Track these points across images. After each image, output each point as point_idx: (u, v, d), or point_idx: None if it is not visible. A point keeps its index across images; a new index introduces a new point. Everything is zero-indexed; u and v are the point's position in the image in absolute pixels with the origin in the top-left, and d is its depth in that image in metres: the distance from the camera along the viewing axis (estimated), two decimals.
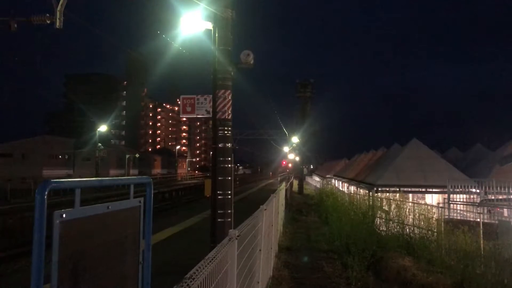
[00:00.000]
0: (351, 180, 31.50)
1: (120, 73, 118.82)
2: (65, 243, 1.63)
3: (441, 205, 16.61)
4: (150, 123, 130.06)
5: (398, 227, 14.77)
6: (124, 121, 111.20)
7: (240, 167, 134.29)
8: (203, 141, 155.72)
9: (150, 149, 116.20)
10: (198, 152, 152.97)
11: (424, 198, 21.16)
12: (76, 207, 1.75)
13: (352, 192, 26.99)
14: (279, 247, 12.03)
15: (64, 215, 1.63)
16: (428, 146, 24.86)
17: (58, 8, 7.05)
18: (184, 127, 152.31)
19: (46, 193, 1.52)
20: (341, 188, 35.11)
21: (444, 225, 12.92)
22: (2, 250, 14.10)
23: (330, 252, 12.26)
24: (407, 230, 14.33)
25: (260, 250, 6.40)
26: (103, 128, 50.71)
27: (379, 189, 21.51)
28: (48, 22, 7.29)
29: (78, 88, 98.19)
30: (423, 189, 21.60)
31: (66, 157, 66.24)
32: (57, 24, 7.13)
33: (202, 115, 9.11)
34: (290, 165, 67.42)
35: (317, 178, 61.64)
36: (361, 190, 24.70)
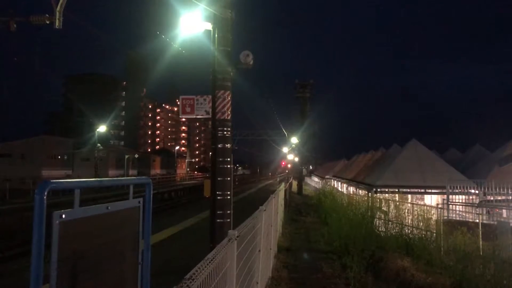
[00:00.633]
0: (350, 181, 31.52)
1: (119, 73, 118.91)
2: (65, 243, 1.63)
3: (440, 206, 16.61)
4: (150, 124, 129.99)
5: (397, 227, 14.78)
6: (123, 122, 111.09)
7: (239, 168, 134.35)
8: (202, 142, 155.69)
9: (149, 150, 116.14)
10: (197, 152, 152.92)
11: (423, 199, 21.18)
12: (76, 207, 1.75)
13: (351, 192, 27.02)
14: (278, 248, 12.02)
15: (63, 216, 1.63)
16: (427, 147, 24.90)
17: (58, 8, 7.05)
18: (184, 127, 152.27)
19: (46, 193, 1.52)
20: (340, 189, 35.13)
21: (443, 226, 12.92)
22: (1, 250, 14.08)
23: (329, 253, 12.25)
24: (406, 230, 14.34)
25: (259, 250, 6.40)
26: (102, 128, 50.65)
27: (378, 189, 21.54)
28: (48, 22, 7.29)
29: (77, 88, 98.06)
30: (422, 190, 21.63)
31: (65, 157, 66.15)
32: (57, 24, 7.13)
33: (202, 115, 9.11)
34: (289, 165, 67.45)
35: (316, 179, 61.66)
36: (360, 191, 24.72)
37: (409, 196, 20.71)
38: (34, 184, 34.21)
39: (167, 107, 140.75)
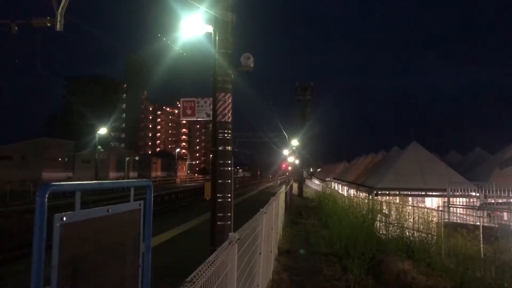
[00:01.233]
0: (350, 183, 31.50)
1: (120, 75, 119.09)
2: (65, 245, 1.63)
3: (440, 208, 16.60)
4: (150, 126, 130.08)
5: (398, 230, 14.76)
6: (124, 124, 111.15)
7: (240, 170, 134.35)
8: (203, 144, 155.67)
9: (150, 152, 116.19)
10: (198, 154, 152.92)
11: (424, 202, 21.16)
12: (77, 210, 1.75)
13: (352, 195, 26.99)
14: (278, 250, 12.01)
15: (64, 218, 1.63)
16: (428, 149, 24.88)
17: (59, 11, 7.07)
18: (184, 129, 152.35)
19: (47, 196, 1.52)
20: (340, 191, 35.11)
21: (443, 228, 12.90)
22: (1, 252, 14.07)
23: (330, 255, 12.23)
24: (407, 233, 14.31)
25: (260, 253, 6.39)
26: (103, 130, 50.68)
27: (379, 192, 21.51)
28: (49, 24, 7.31)
29: (78, 91, 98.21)
30: (423, 193, 21.60)
31: (66, 159, 66.20)
32: (58, 26, 7.15)
33: (202, 118, 9.12)
34: (289, 168, 67.40)
35: (317, 181, 61.64)
36: (361, 193, 24.70)
37: (410, 198, 20.69)
38: (34, 186, 34.20)
39: (168, 109, 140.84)
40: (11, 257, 13.45)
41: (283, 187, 23.19)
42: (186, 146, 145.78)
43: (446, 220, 14.78)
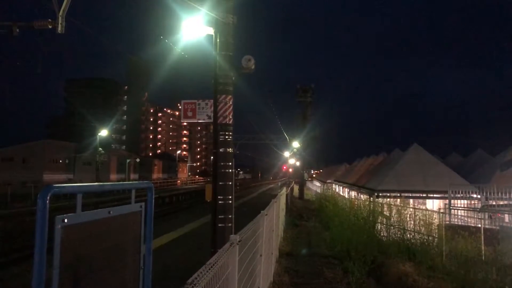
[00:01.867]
0: (351, 185, 31.47)
1: (121, 77, 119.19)
2: (67, 247, 1.63)
3: (442, 210, 16.58)
4: (151, 128, 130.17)
5: (399, 232, 14.74)
6: (125, 126, 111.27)
7: (241, 172, 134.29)
8: (203, 146, 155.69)
9: (150, 154, 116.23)
10: (198, 156, 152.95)
11: (425, 204, 21.12)
12: (78, 212, 1.75)
13: (353, 197, 26.96)
14: (279, 252, 12.00)
15: (65, 220, 1.64)
16: (429, 151, 24.85)
17: (60, 13, 7.08)
18: (185, 131, 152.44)
19: (48, 198, 1.53)
20: (341, 193, 35.08)
21: (445, 230, 12.89)
22: (2, 254, 14.07)
23: (331, 258, 12.22)
24: (408, 235, 14.30)
25: (261, 255, 6.39)
26: (103, 132, 50.75)
27: (380, 194, 21.48)
28: (50, 27, 7.31)
29: (78, 93, 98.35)
30: (424, 195, 21.56)
31: (67, 161, 66.24)
32: (59, 29, 7.16)
33: (203, 120, 9.13)
34: (290, 170, 67.38)
35: (317, 183, 61.61)
36: (362, 195, 24.67)
37: (411, 200, 20.65)
38: (35, 188, 34.19)
39: (169, 111, 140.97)
40: (12, 259, 13.45)
41: (284, 189, 23.19)
42: (187, 148, 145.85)
43: (447, 222, 14.75)
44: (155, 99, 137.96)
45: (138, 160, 74.93)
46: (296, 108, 46.99)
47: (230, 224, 7.68)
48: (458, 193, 17.90)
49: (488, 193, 17.00)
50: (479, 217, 14.47)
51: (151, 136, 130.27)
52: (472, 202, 18.22)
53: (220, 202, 7.65)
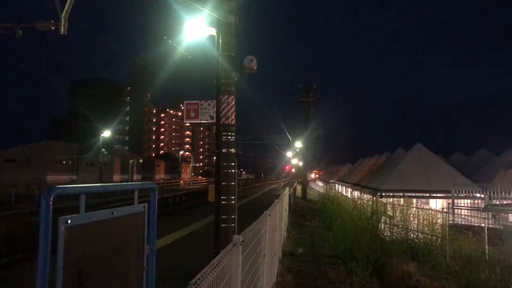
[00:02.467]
0: (354, 185, 31.42)
1: (124, 78, 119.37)
2: (70, 248, 1.64)
3: (445, 210, 16.53)
4: (154, 129, 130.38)
5: (402, 232, 14.70)
6: (128, 127, 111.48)
7: (244, 172, 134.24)
8: (206, 146, 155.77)
9: (153, 154, 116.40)
10: (201, 157, 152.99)
11: (428, 203, 21.07)
12: (81, 212, 1.76)
13: (356, 197, 26.91)
14: (283, 252, 11.99)
15: (69, 221, 1.64)
16: (432, 151, 24.79)
17: (63, 15, 7.10)
18: (188, 132, 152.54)
19: (52, 199, 1.53)
20: (344, 193, 35.02)
21: (448, 230, 12.85)
22: (6, 255, 14.11)
23: (334, 258, 12.20)
24: (411, 235, 14.26)
25: (264, 255, 6.38)
26: (106, 133, 50.87)
27: (383, 194, 21.44)
28: (53, 28, 7.34)
29: (82, 94, 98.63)
30: (427, 194, 21.50)
31: (70, 162, 66.41)
32: (62, 30, 7.18)
33: (206, 120, 9.13)
34: (293, 170, 67.30)
35: (320, 183, 61.54)
36: (365, 195, 24.62)
37: (414, 200, 20.61)
38: (39, 189, 34.29)
39: (171, 112, 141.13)
40: (16, 260, 13.49)
41: (287, 189, 23.18)
42: (190, 148, 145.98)
43: (451, 222, 14.72)
44: (158, 100, 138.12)
45: (141, 160, 75.00)
46: (298, 108, 46.85)
47: (233, 224, 7.68)
48: (462, 192, 17.86)
49: (492, 193, 16.95)
50: (483, 216, 14.43)
51: (154, 137, 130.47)
52: (476, 201, 18.17)
53: (223, 202, 7.65)
